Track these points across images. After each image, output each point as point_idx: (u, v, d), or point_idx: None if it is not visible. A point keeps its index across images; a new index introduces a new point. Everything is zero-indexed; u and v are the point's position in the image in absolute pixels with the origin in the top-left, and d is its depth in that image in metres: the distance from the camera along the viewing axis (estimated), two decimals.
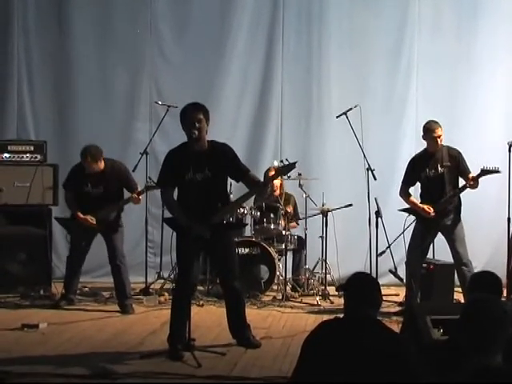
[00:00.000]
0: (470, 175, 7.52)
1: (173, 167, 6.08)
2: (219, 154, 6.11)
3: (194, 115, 5.98)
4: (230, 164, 6.14)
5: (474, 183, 7.47)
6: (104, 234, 7.94)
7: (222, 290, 6.57)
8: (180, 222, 6.06)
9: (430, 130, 7.58)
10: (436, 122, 7.60)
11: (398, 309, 7.91)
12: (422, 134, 7.69)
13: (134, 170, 8.40)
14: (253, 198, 9.03)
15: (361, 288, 3.65)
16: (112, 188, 7.89)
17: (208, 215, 5.97)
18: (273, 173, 8.76)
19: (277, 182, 8.99)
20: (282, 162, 6.03)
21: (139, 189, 7.96)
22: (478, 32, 9.83)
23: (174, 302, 6.23)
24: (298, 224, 9.23)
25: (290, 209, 9.01)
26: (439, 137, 7.55)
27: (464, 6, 9.87)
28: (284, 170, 6.03)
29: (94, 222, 7.84)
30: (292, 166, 6.00)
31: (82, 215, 7.85)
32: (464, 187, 7.57)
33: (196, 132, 5.95)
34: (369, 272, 8.01)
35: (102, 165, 7.86)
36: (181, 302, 6.08)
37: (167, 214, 9.04)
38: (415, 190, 8.10)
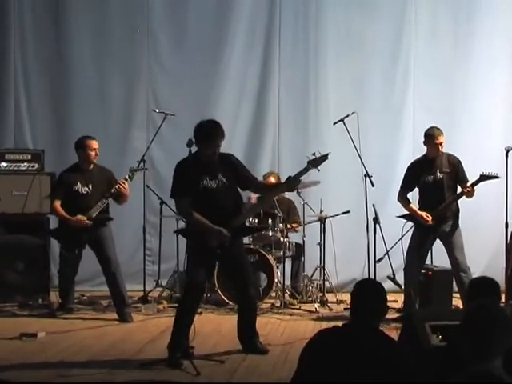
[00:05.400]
0: (468, 183, 7.54)
1: (185, 176, 6.05)
2: (228, 162, 6.20)
3: (220, 139, 6.07)
4: (238, 172, 6.22)
5: (470, 190, 7.48)
6: (93, 240, 7.87)
7: (238, 298, 6.57)
8: (204, 229, 6.04)
9: (431, 137, 7.59)
10: (438, 129, 7.62)
11: (396, 315, 7.88)
12: (423, 139, 7.71)
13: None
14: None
15: (368, 298, 3.64)
16: (100, 188, 7.86)
17: (226, 220, 6.03)
18: (271, 179, 8.84)
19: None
20: (314, 154, 6.05)
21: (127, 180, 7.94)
22: (475, 37, 9.83)
23: (181, 312, 6.18)
24: (297, 231, 9.18)
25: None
26: (440, 144, 7.59)
27: (461, 12, 9.88)
28: (316, 162, 6.06)
29: (86, 220, 7.77)
30: (324, 157, 6.05)
31: (72, 218, 7.76)
32: (461, 194, 7.59)
33: (217, 152, 6.07)
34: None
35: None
36: (187, 312, 6.11)
37: (165, 223, 9.10)
38: (413, 196, 8.10)
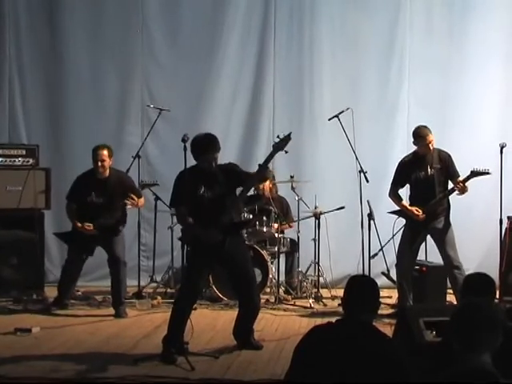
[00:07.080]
0: (459, 179, 7.53)
1: (185, 186, 6.11)
2: (226, 171, 6.24)
3: (214, 153, 6.12)
4: (237, 178, 6.26)
5: (462, 186, 7.47)
6: (103, 243, 7.90)
7: (241, 303, 6.51)
8: (195, 232, 6.14)
9: (421, 137, 7.56)
10: (425, 127, 7.59)
11: (390, 311, 7.91)
12: (412, 139, 7.69)
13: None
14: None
15: (361, 293, 3.65)
16: (115, 198, 7.85)
17: (218, 225, 6.09)
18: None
19: (266, 183, 9.00)
20: (278, 137, 6.06)
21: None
22: (470, 34, 9.82)
23: (176, 311, 6.18)
24: (291, 226, 9.19)
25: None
26: (430, 142, 7.57)
27: (455, 9, 9.86)
28: (280, 144, 6.04)
29: (92, 228, 7.80)
30: (287, 138, 6.02)
31: (79, 224, 7.82)
32: (452, 190, 7.57)
33: (213, 164, 6.12)
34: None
35: (109, 165, 7.87)
36: (183, 311, 6.13)
37: (160, 218, 9.10)
38: (405, 192, 8.11)
